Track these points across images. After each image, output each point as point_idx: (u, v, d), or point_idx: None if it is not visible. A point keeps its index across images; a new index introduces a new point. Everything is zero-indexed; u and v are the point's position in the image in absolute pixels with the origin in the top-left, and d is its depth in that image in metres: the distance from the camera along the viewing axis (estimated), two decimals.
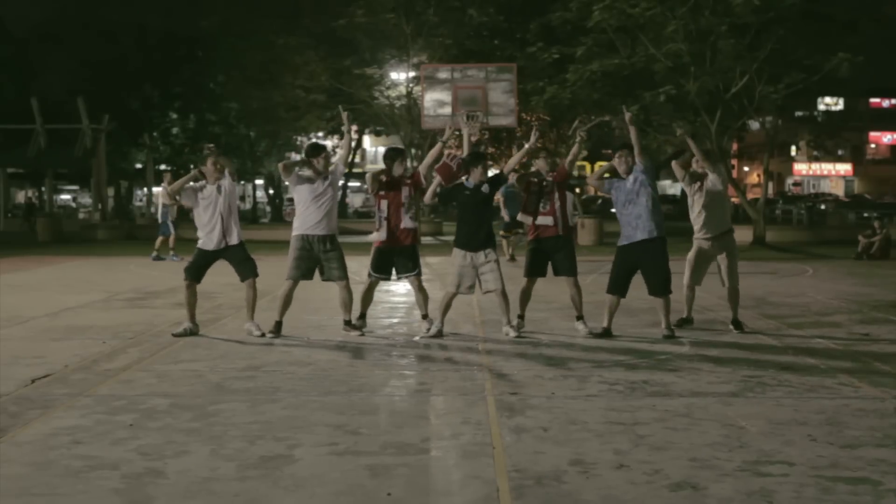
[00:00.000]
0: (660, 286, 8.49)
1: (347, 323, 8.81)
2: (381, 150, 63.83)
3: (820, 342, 8.51)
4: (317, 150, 8.89)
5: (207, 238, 8.68)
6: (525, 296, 9.04)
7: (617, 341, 8.48)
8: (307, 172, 8.67)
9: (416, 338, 8.62)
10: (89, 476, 4.49)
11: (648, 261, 8.47)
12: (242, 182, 46.46)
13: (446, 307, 8.75)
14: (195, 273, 8.74)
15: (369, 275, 8.92)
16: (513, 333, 8.60)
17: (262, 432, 5.26)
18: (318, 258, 8.64)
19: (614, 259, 8.74)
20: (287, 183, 8.92)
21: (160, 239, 18.66)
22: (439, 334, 8.64)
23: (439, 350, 8.10)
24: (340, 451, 4.90)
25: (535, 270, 8.95)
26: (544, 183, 8.83)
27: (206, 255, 8.75)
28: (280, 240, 17.30)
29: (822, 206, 42.98)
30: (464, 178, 8.80)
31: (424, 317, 8.89)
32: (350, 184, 54.05)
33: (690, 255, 9.16)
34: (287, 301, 8.69)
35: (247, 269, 8.74)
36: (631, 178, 8.42)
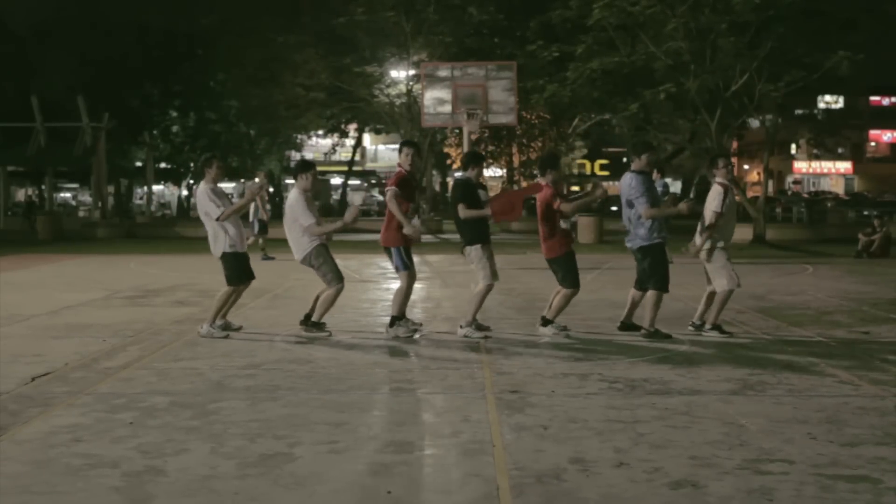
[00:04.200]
0: (643, 281, 8.65)
1: (314, 324, 8.71)
2: (381, 148, 63.78)
3: (820, 340, 8.51)
4: (307, 167, 8.85)
5: (242, 242, 8.70)
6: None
7: (617, 340, 8.48)
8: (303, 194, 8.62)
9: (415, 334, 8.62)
10: (89, 474, 4.49)
11: (640, 262, 8.65)
12: (242, 180, 46.53)
13: (483, 300, 8.67)
14: (248, 274, 8.75)
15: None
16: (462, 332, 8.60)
17: (261, 430, 5.27)
18: None
19: None
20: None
21: (254, 238, 17.68)
22: (480, 328, 8.66)
23: (439, 348, 8.09)
24: (340, 450, 4.90)
25: None
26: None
27: (245, 257, 8.77)
28: (280, 237, 17.11)
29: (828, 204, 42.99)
30: (471, 174, 8.76)
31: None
32: (350, 181, 54.13)
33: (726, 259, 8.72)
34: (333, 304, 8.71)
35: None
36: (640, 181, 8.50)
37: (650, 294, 8.49)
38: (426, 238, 22.77)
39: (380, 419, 5.66)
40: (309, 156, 53.51)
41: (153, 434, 5.19)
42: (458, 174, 9.15)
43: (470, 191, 8.60)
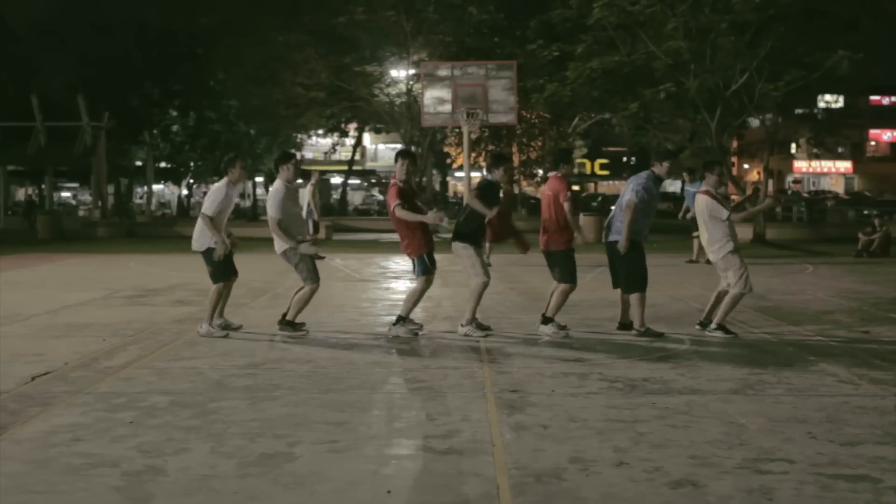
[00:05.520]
0: (622, 283, 8.76)
1: (289, 323, 8.64)
2: (381, 147, 63.35)
3: (820, 340, 8.51)
4: (287, 157, 8.83)
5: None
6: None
7: (617, 339, 8.48)
8: (286, 186, 8.59)
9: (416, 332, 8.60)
10: (89, 473, 4.49)
11: (617, 259, 8.77)
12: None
13: (480, 298, 8.66)
14: (232, 270, 8.75)
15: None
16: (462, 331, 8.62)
17: (261, 430, 5.27)
18: None
19: None
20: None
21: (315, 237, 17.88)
22: (480, 327, 8.65)
23: (439, 348, 8.09)
24: (340, 449, 4.90)
25: None
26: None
27: (229, 254, 8.72)
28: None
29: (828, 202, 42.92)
30: (491, 175, 8.76)
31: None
32: (350, 181, 54.10)
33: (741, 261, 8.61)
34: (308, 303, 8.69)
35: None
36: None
37: (632, 296, 8.57)
38: None
39: (380, 418, 5.66)
40: (309, 155, 53.48)
41: (153, 433, 5.19)
42: (484, 174, 9.16)
43: (492, 192, 8.62)
